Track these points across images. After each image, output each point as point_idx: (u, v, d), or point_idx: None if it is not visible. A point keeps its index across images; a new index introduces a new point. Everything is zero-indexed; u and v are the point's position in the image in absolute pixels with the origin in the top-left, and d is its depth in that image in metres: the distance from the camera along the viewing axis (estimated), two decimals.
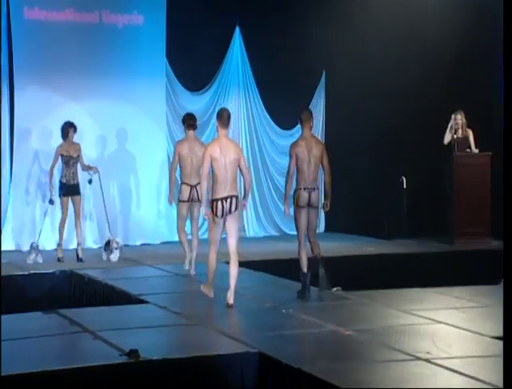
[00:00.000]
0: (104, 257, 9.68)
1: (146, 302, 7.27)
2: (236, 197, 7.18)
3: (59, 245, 9.71)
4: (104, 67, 11.04)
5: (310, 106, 12.83)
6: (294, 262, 9.77)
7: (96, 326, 6.25)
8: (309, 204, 7.68)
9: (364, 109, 12.35)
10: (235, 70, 12.29)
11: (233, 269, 7.15)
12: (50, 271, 8.89)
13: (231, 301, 7.06)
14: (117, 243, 9.70)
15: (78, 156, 9.63)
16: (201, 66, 11.86)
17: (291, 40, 12.33)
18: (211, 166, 7.05)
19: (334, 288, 8.03)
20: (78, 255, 9.65)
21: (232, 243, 7.16)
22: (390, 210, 12.01)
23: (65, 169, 9.56)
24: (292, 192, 7.83)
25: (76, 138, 9.79)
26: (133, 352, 5.30)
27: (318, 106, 12.96)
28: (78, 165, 9.68)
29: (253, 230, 12.63)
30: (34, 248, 9.50)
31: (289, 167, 7.66)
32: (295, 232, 12.40)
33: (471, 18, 11.62)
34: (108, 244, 9.75)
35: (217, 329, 6.24)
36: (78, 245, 9.72)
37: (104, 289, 8.13)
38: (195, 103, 12.01)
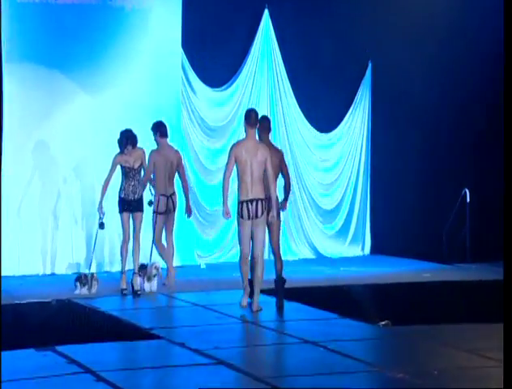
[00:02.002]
0: (139, 285, 9.30)
1: (158, 337, 7.30)
2: (263, 200, 8.06)
3: (122, 273, 9.32)
4: (106, 57, 11.11)
5: (353, 103, 12.86)
6: (334, 290, 9.80)
7: (98, 365, 6.27)
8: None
9: (416, 106, 12.34)
10: (263, 61, 12.36)
11: (258, 270, 8.00)
12: (45, 300, 8.96)
13: (255, 307, 7.84)
14: (157, 269, 9.38)
15: (141, 166, 9.41)
16: (223, 58, 11.94)
17: (330, 25, 12.36)
18: (236, 167, 7.89)
19: (383, 322, 8.07)
20: (133, 287, 9.25)
21: (258, 248, 8.06)
22: (449, 228, 11.96)
23: (124, 182, 9.33)
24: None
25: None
26: None
27: (363, 103, 12.97)
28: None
29: (285, 253, 12.62)
30: (90, 279, 9.27)
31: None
32: (334, 255, 12.78)
33: None
34: (143, 268, 9.40)
35: (245, 371, 6.26)
36: (134, 274, 9.29)
37: (108, 322, 8.18)
38: (216, 101, 12.11)
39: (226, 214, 8.28)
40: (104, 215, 9.39)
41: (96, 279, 9.38)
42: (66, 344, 7.15)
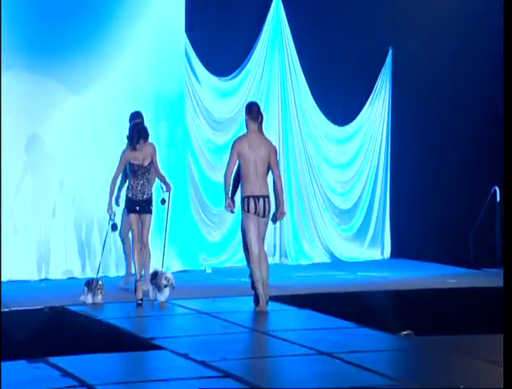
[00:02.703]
0: (151, 294, 9.23)
1: (160, 348, 7.25)
2: (268, 198, 8.29)
3: (138, 281, 9.09)
4: (104, 43, 11.03)
5: (372, 93, 12.81)
6: (350, 297, 9.76)
7: (95, 379, 6.22)
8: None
9: (441, 97, 12.27)
10: (273, 48, 12.34)
11: (263, 265, 8.23)
12: (37, 307, 8.91)
13: (264, 308, 7.96)
14: (167, 280, 9.15)
15: (152, 163, 9.18)
16: (230, 44, 11.92)
17: (347, 8, 12.34)
18: (239, 164, 8.09)
19: (405, 332, 8.08)
20: (136, 295, 9.10)
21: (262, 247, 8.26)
22: (477, 230, 11.88)
23: (132, 180, 9.18)
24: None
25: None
26: None
27: (383, 93, 12.92)
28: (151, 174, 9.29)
29: (297, 256, 12.59)
30: (94, 286, 9.14)
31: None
32: (350, 259, 12.75)
33: None
34: (155, 277, 9.28)
35: (255, 385, 6.19)
36: (137, 281, 9.15)
37: (105, 331, 8.14)
38: (222, 91, 12.10)
39: (228, 206, 8.41)
40: (114, 215, 9.25)
41: (101, 288, 9.20)
42: (60, 356, 7.12)
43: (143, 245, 9.21)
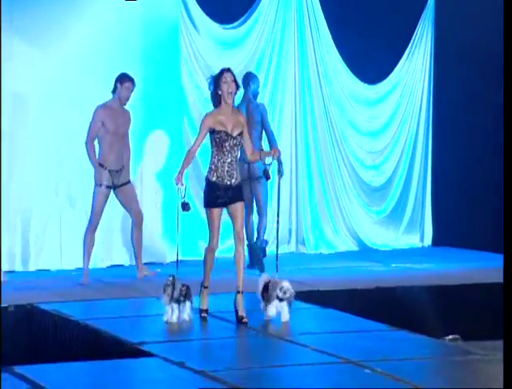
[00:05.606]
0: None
1: (150, 355, 7.27)
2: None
3: (204, 287, 8.62)
4: None
5: (410, 45, 12.81)
6: (383, 293, 9.75)
7: None
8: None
9: (489, 47, 12.19)
10: None
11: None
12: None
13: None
14: (284, 291, 8.28)
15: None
16: None
17: None
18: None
19: (450, 336, 8.28)
20: (202, 305, 8.61)
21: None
22: None
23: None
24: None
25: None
26: None
27: (423, 45, 12.93)
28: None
29: (318, 243, 12.60)
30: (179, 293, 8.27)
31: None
32: (383, 247, 12.73)
33: None
34: (266, 287, 8.42)
35: None
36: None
37: (83, 334, 8.15)
38: (226, 41, 12.11)
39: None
40: (186, 191, 8.39)
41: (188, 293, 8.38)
42: (28, 364, 7.14)
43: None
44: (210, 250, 8.61)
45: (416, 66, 13.00)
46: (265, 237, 11.19)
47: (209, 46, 12.04)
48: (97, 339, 7.97)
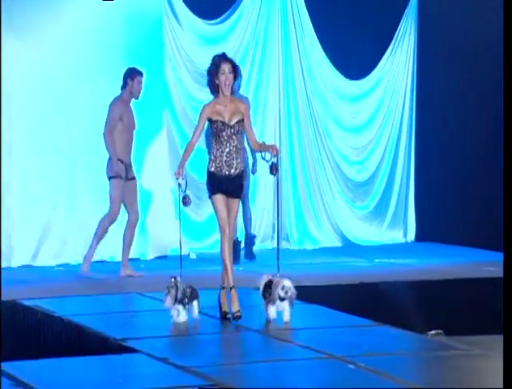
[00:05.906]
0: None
1: (134, 351, 7.27)
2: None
3: (226, 288, 8.27)
4: None
5: (394, 40, 12.82)
6: (367, 289, 9.78)
7: (53, 388, 6.24)
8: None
9: (476, 42, 12.21)
10: None
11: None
12: None
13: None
14: (286, 291, 8.15)
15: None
16: None
17: None
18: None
19: (433, 332, 8.17)
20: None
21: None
22: None
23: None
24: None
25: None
26: None
27: (406, 40, 12.94)
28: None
29: (301, 239, 12.61)
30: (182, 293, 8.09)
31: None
32: (366, 242, 12.77)
33: None
34: (269, 286, 8.24)
35: None
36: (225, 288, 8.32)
37: (67, 330, 8.14)
38: (209, 37, 12.09)
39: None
40: (186, 184, 8.28)
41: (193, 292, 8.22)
42: (11, 360, 7.13)
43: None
44: (224, 239, 8.31)
45: (399, 62, 13.02)
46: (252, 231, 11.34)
47: (192, 41, 12.05)
48: (81, 335, 7.97)
